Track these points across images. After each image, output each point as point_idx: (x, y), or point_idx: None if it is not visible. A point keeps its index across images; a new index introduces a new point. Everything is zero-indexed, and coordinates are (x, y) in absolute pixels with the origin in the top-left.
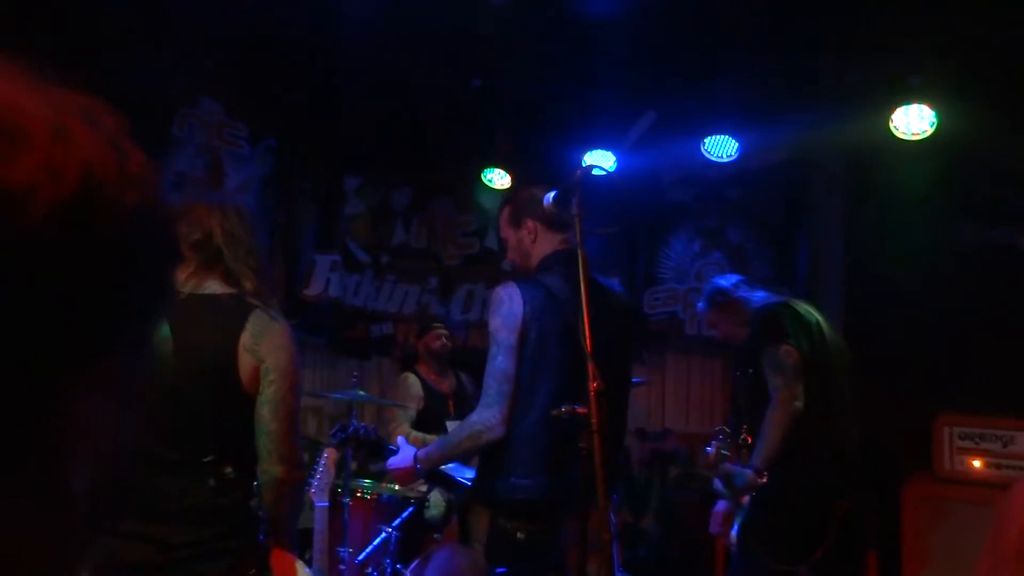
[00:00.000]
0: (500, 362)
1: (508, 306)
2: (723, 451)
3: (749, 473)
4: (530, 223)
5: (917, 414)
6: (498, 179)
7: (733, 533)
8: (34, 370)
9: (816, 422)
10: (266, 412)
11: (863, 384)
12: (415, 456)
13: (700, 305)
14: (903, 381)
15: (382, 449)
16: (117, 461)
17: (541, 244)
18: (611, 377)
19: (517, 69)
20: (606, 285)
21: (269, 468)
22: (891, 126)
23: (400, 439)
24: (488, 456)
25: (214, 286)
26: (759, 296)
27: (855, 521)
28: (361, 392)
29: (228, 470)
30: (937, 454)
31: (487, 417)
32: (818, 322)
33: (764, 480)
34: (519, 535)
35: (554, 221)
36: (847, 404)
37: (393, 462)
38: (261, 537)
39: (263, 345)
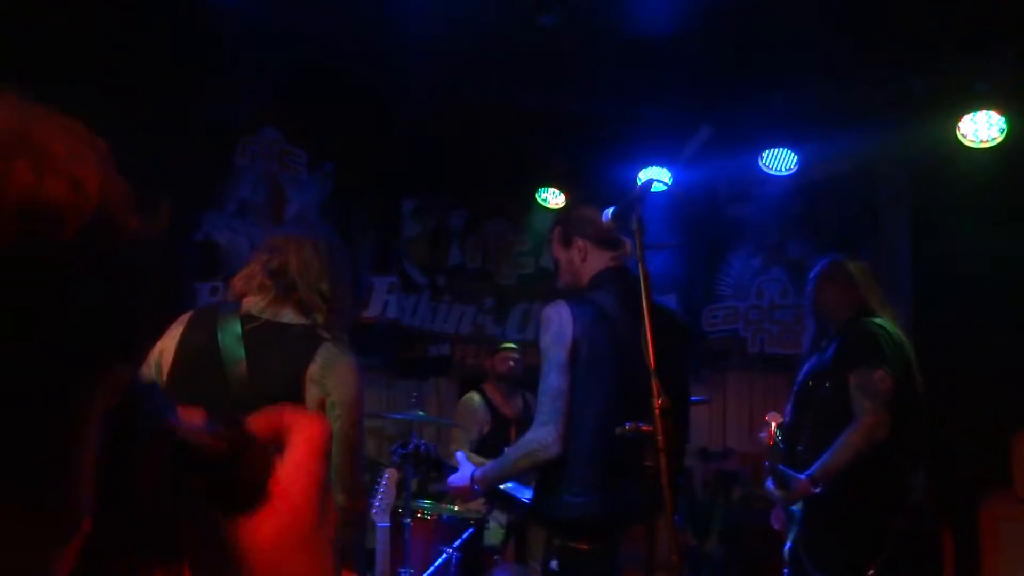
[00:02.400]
0: (552, 380)
1: (558, 324)
2: (779, 444)
3: (804, 480)
4: (580, 242)
5: (995, 431)
6: (552, 199)
7: (786, 549)
8: (58, 376)
9: (890, 451)
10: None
11: (937, 401)
12: (472, 476)
13: (811, 273)
14: (979, 397)
15: (442, 467)
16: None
17: (591, 262)
18: (669, 395)
19: (570, 88)
20: (659, 303)
21: (334, 498)
22: (958, 134)
23: (460, 455)
24: (543, 474)
25: (289, 315)
26: (869, 298)
27: (912, 541)
28: (420, 413)
29: None
30: (1019, 472)
31: (543, 435)
32: (910, 351)
33: (817, 490)
34: (575, 554)
35: (604, 239)
36: (922, 439)
37: (453, 480)
38: None
39: (330, 379)
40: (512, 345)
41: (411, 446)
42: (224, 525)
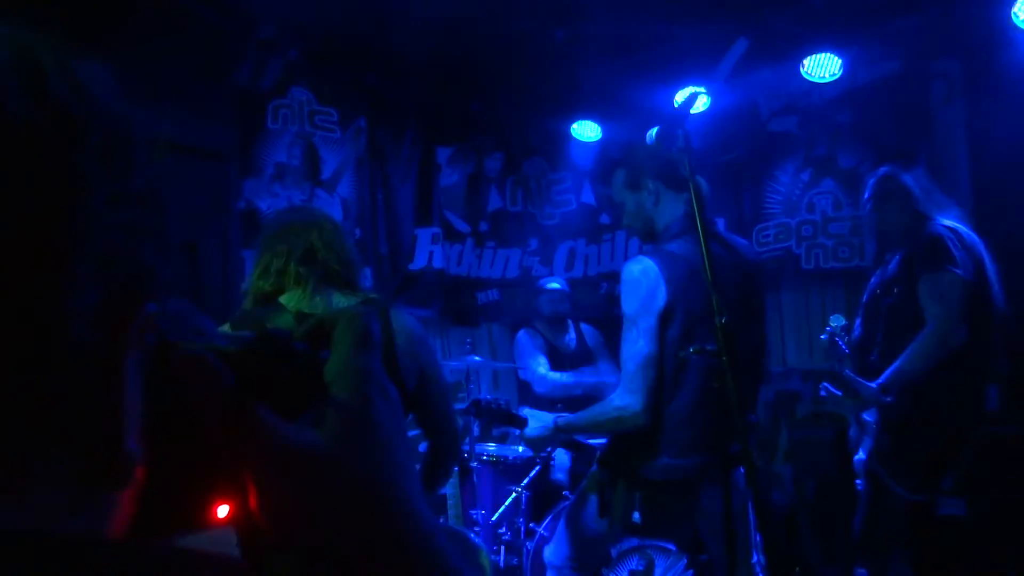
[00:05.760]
0: (642, 347)
1: (647, 287)
2: (842, 347)
3: (875, 388)
4: (651, 184)
5: None
6: (588, 131)
7: (857, 459)
8: (85, 316)
9: (967, 356)
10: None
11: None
12: (555, 424)
13: (866, 194)
14: None
15: (514, 419)
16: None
17: (666, 206)
18: (746, 337)
19: (597, 13)
20: (731, 241)
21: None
22: (1015, 13)
23: (528, 410)
24: (635, 435)
25: (339, 298)
26: (929, 207)
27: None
28: (476, 358)
29: None
30: None
31: (631, 403)
32: (982, 251)
33: (888, 399)
34: (659, 506)
35: (677, 179)
36: (999, 342)
37: (532, 431)
38: None
39: (416, 345)
40: (555, 286)
41: (480, 401)
42: (283, 433)
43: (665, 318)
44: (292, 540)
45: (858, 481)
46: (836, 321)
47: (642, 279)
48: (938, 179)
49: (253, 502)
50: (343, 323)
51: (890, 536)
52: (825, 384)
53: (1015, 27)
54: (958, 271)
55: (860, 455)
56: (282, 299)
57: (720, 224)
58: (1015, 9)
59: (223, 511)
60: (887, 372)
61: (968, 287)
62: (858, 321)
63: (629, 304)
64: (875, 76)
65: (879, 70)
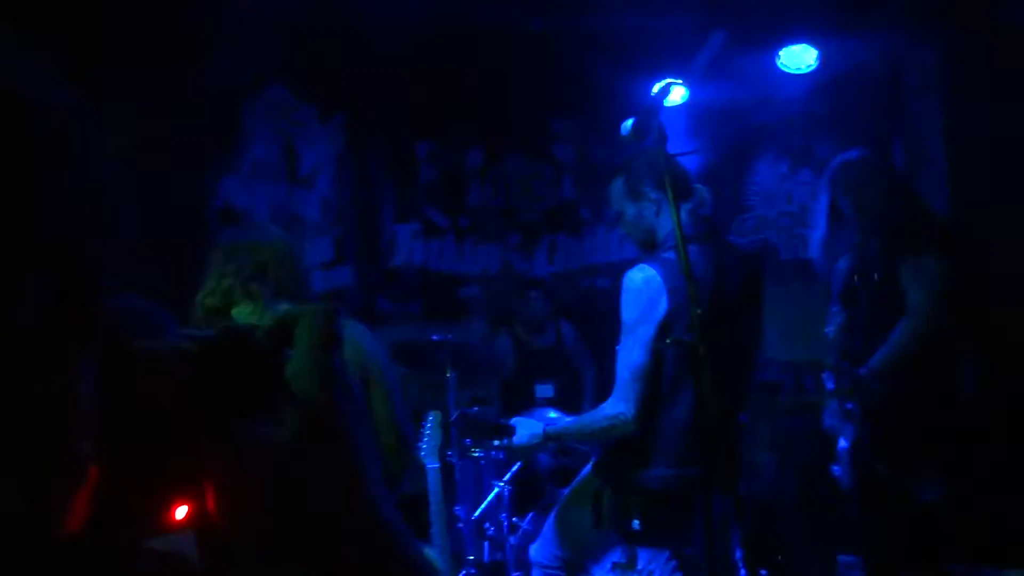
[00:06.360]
0: (637, 356)
1: (648, 296)
2: (840, 339)
3: (861, 375)
4: (652, 193)
5: None
6: (567, 126)
7: (840, 448)
8: (28, 315)
9: (950, 340)
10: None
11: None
12: (546, 432)
13: (839, 177)
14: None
15: (500, 428)
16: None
17: (667, 216)
18: (745, 339)
19: (574, 6)
20: (735, 246)
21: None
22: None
23: (517, 419)
24: (629, 444)
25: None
26: (903, 192)
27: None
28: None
29: None
30: None
31: (623, 412)
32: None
33: (875, 386)
34: (665, 519)
35: (681, 188)
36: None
37: (521, 439)
38: None
39: (364, 355)
40: (533, 286)
41: (459, 414)
42: (243, 431)
43: (665, 327)
44: (252, 541)
45: (835, 467)
46: (839, 315)
47: (644, 288)
48: (913, 169)
49: (212, 503)
50: (305, 320)
51: (883, 522)
52: (828, 377)
53: (989, 17)
54: (939, 253)
55: (843, 443)
56: (233, 312)
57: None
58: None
59: (181, 512)
60: (875, 358)
61: (950, 270)
62: (835, 308)
63: (629, 312)
64: (851, 67)
65: (854, 61)
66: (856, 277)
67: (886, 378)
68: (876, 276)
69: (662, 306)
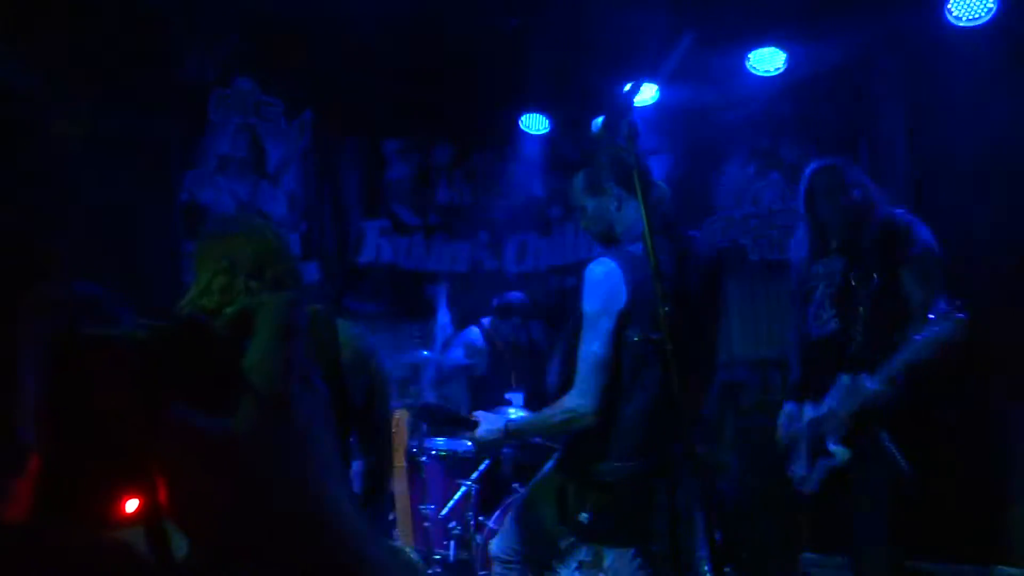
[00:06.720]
0: (596, 348)
1: (608, 288)
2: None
3: (879, 383)
4: (614, 189)
5: (1006, 329)
6: (536, 124)
7: (796, 471)
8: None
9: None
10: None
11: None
12: (506, 428)
13: (813, 185)
14: (984, 294)
15: (463, 422)
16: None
17: (627, 211)
18: (703, 333)
19: (546, 5)
20: (691, 238)
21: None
22: (948, 10)
23: (479, 412)
24: (587, 437)
25: None
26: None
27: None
28: (425, 352)
29: None
30: None
31: (581, 404)
32: None
33: (893, 390)
34: (607, 508)
35: (643, 183)
36: None
37: (483, 434)
38: None
39: (368, 361)
40: (513, 296)
41: (421, 404)
42: (197, 423)
43: (624, 319)
44: (204, 535)
45: (797, 468)
46: (833, 319)
47: (605, 280)
48: (878, 173)
49: (163, 496)
50: (265, 311)
51: (872, 517)
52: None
53: (949, 24)
54: (936, 252)
55: (831, 444)
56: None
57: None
58: (949, 5)
59: (132, 506)
60: (893, 364)
61: (945, 267)
62: (829, 313)
63: (590, 304)
64: (818, 70)
65: (822, 65)
66: (852, 281)
67: (902, 382)
68: (877, 278)
69: (622, 298)
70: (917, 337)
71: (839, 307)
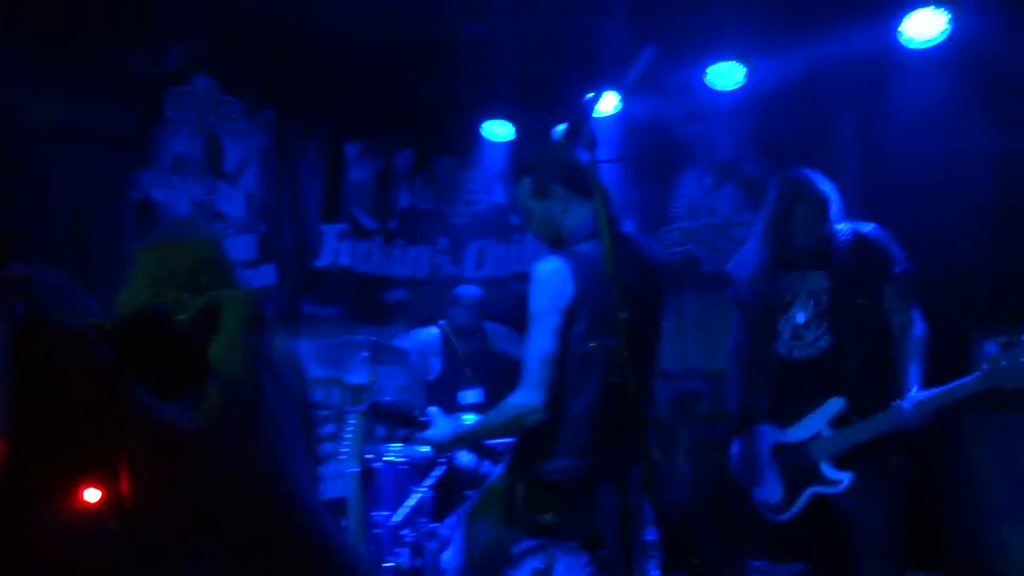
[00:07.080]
0: (544, 344)
1: (555, 286)
2: None
3: (911, 407)
4: (560, 192)
5: (949, 331)
6: (499, 130)
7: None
8: None
9: None
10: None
11: None
12: (456, 434)
13: (786, 195)
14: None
15: (413, 421)
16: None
17: (574, 214)
18: (645, 334)
19: (510, 11)
20: (637, 241)
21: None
22: (900, 31)
23: (434, 410)
24: (534, 436)
25: None
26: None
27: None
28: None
29: None
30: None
31: (530, 399)
32: None
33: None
34: (561, 510)
35: (586, 186)
36: None
37: (431, 436)
38: None
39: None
40: (468, 296)
41: (370, 404)
42: (160, 414)
43: (570, 315)
44: (168, 528)
45: (764, 492)
46: (825, 336)
47: (551, 277)
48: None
49: (126, 486)
50: (232, 302)
51: (880, 538)
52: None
53: (901, 43)
54: (914, 271)
55: (829, 471)
56: None
57: (628, 226)
58: (901, 27)
59: (93, 496)
60: (930, 394)
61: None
62: (823, 327)
63: (536, 301)
64: (774, 86)
65: (778, 79)
66: (844, 296)
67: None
68: (861, 296)
69: (567, 293)
70: (969, 379)
71: (831, 326)
